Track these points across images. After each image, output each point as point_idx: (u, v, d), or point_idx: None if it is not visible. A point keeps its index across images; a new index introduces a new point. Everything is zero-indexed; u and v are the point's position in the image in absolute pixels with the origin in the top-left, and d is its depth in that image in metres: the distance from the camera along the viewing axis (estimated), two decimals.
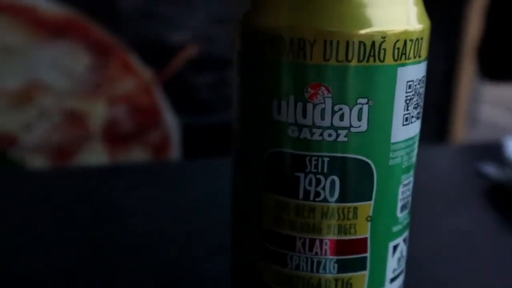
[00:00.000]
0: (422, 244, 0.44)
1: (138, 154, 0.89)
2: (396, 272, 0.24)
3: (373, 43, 0.20)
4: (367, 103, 0.21)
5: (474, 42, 0.82)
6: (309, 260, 0.22)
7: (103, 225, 0.45)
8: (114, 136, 0.87)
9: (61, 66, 0.82)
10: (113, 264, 0.39)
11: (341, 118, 0.21)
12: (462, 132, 2.31)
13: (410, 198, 0.24)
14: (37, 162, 0.84)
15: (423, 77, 0.22)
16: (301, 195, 0.22)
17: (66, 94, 0.83)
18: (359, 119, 0.21)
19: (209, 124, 0.96)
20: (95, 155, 0.87)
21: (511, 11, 0.74)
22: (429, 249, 0.43)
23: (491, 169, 0.54)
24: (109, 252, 0.41)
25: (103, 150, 0.88)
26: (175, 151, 0.97)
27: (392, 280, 0.24)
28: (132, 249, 0.41)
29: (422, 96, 0.23)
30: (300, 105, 0.21)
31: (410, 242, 0.44)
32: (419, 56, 0.22)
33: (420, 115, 0.23)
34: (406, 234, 0.24)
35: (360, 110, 0.21)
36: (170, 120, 0.91)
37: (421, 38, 0.21)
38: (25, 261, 0.39)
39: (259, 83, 0.22)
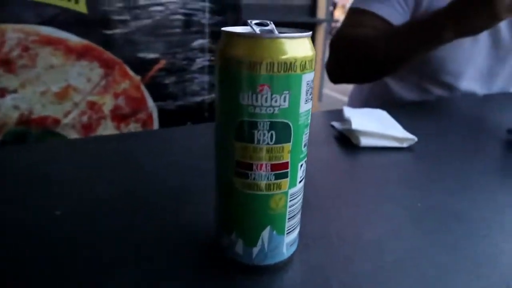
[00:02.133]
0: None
1: (133, 127, 0.87)
2: (301, 178, 0.27)
3: (290, 62, 0.23)
4: (288, 93, 0.23)
5: (325, 62, 0.83)
6: (260, 175, 0.25)
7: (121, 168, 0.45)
8: (118, 116, 0.85)
9: (85, 75, 0.79)
10: (136, 192, 0.40)
11: (276, 101, 0.23)
12: (315, 104, 2.38)
13: (307, 140, 0.27)
14: (72, 135, 0.81)
15: (313, 78, 0.25)
16: (255, 141, 0.24)
17: (88, 92, 0.80)
18: (284, 101, 0.23)
19: (174, 107, 0.94)
20: (108, 129, 0.84)
21: (344, 47, 0.76)
22: (308, 167, 0.46)
23: (337, 124, 0.56)
24: (131, 183, 0.41)
25: (112, 126, 0.85)
26: (155, 125, 0.95)
27: (300, 181, 0.27)
28: (150, 177, 0.42)
29: (312, 88, 0.26)
30: (254, 95, 0.23)
31: None
32: (311, 68, 0.24)
33: (312, 98, 0.25)
34: (306, 158, 0.27)
35: (285, 96, 0.23)
36: (151, 106, 0.90)
37: (311, 60, 0.24)
38: (78, 196, 0.39)
39: (231, 85, 0.23)
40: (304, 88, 0.24)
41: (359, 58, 0.73)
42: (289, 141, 0.24)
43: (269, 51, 0.22)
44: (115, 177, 0.42)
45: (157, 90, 0.87)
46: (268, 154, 0.24)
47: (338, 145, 0.53)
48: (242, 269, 0.28)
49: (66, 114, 0.76)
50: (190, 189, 0.39)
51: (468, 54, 0.79)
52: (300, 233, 0.32)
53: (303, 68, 0.23)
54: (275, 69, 0.22)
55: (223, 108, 0.25)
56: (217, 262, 0.29)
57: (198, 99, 0.93)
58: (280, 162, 0.25)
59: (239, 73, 0.23)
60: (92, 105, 0.79)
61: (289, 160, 0.25)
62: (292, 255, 0.30)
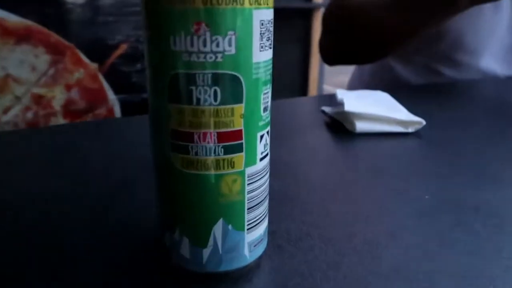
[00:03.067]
0: (287, 153, 0.44)
1: None
2: (263, 154, 0.24)
3: None
4: (234, 34, 0.20)
5: (318, 41, 0.82)
6: (204, 148, 0.22)
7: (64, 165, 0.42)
8: (71, 112, 0.82)
9: (28, 63, 0.75)
10: (71, 189, 0.37)
11: (217, 45, 0.20)
12: None
13: (269, 103, 0.24)
14: None
15: (271, 19, 0.22)
16: (194, 102, 0.21)
17: (34, 83, 0.77)
18: (230, 45, 0.20)
19: (140, 100, 0.92)
20: None
21: (338, 19, 0.74)
22: (291, 156, 0.43)
23: (328, 109, 0.54)
24: (70, 177, 0.38)
25: (64, 123, 0.82)
26: None
27: (261, 159, 0.24)
28: (92, 170, 0.39)
29: (272, 33, 0.22)
30: (188, 38, 0.20)
31: (280, 153, 0.44)
32: (267, 4, 0.21)
33: (271, 46, 0.22)
34: (268, 128, 0.24)
35: (230, 39, 0.20)
36: (112, 99, 0.86)
37: None
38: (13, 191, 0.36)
39: (159, 25, 0.20)
40: (257, 29, 0.21)
41: (357, 31, 0.70)
42: (241, 102, 0.21)
43: None
44: (49, 171, 0.38)
45: (119, 80, 0.84)
46: (213, 118, 0.21)
47: (329, 131, 0.50)
48: (190, 277, 0.24)
49: (5, 111, 0.73)
50: (137, 184, 0.36)
51: (489, 26, 0.76)
52: (271, 232, 0.29)
53: (254, 1, 0.20)
54: (214, 0, 0.19)
55: (152, 60, 0.21)
56: (158, 270, 0.25)
57: None
58: (231, 130, 0.21)
59: (168, 8, 0.20)
60: (38, 99, 0.76)
61: (242, 127, 0.22)
62: (259, 259, 0.26)
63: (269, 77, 0.23)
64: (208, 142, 0.21)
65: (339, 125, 0.51)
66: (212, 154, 0.22)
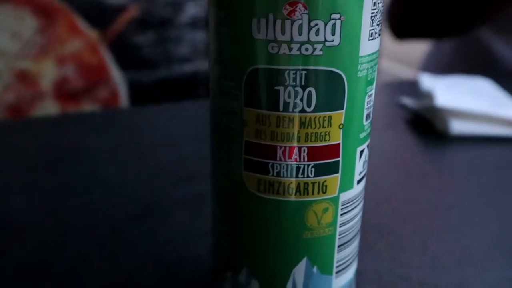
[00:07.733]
0: None
1: (88, 109, 0.85)
2: (362, 175, 0.23)
3: None
4: (339, 18, 0.20)
5: (385, 6, 0.81)
6: (289, 167, 0.21)
7: (70, 168, 0.42)
8: (65, 93, 0.83)
9: (8, 29, 0.77)
10: (86, 200, 0.37)
11: (317, 33, 0.20)
12: None
13: (372, 109, 0.23)
14: None
15: None
16: (281, 107, 0.21)
17: (15, 56, 0.78)
18: (333, 33, 0.20)
19: (153, 80, 0.93)
20: (48, 112, 0.82)
21: None
22: None
23: (409, 101, 0.54)
24: (79, 191, 0.39)
25: (55, 107, 0.83)
26: (123, 106, 0.93)
27: (359, 181, 0.23)
28: (104, 185, 0.39)
29: (382, 14, 0.22)
30: (278, 22, 0.20)
31: None
32: None
33: (381, 32, 0.22)
34: (369, 141, 0.24)
35: (334, 25, 0.20)
36: (117, 77, 0.87)
37: None
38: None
39: (237, 4, 0.20)
40: (367, 10, 0.20)
41: None
42: (341, 108, 0.21)
43: None
44: (42, 183, 0.39)
45: (126, 54, 0.85)
46: (303, 129, 0.21)
47: (413, 133, 0.50)
48: None
49: None
50: (168, 206, 0.36)
51: None
52: (357, 274, 0.29)
53: None
54: None
55: (222, 51, 0.21)
56: None
57: (188, 67, 0.91)
58: (326, 144, 0.21)
59: None
60: (22, 76, 0.77)
61: (340, 141, 0.22)
62: None
63: (374, 74, 0.22)
64: (295, 160, 0.21)
65: (426, 124, 0.51)
66: (299, 175, 0.22)
